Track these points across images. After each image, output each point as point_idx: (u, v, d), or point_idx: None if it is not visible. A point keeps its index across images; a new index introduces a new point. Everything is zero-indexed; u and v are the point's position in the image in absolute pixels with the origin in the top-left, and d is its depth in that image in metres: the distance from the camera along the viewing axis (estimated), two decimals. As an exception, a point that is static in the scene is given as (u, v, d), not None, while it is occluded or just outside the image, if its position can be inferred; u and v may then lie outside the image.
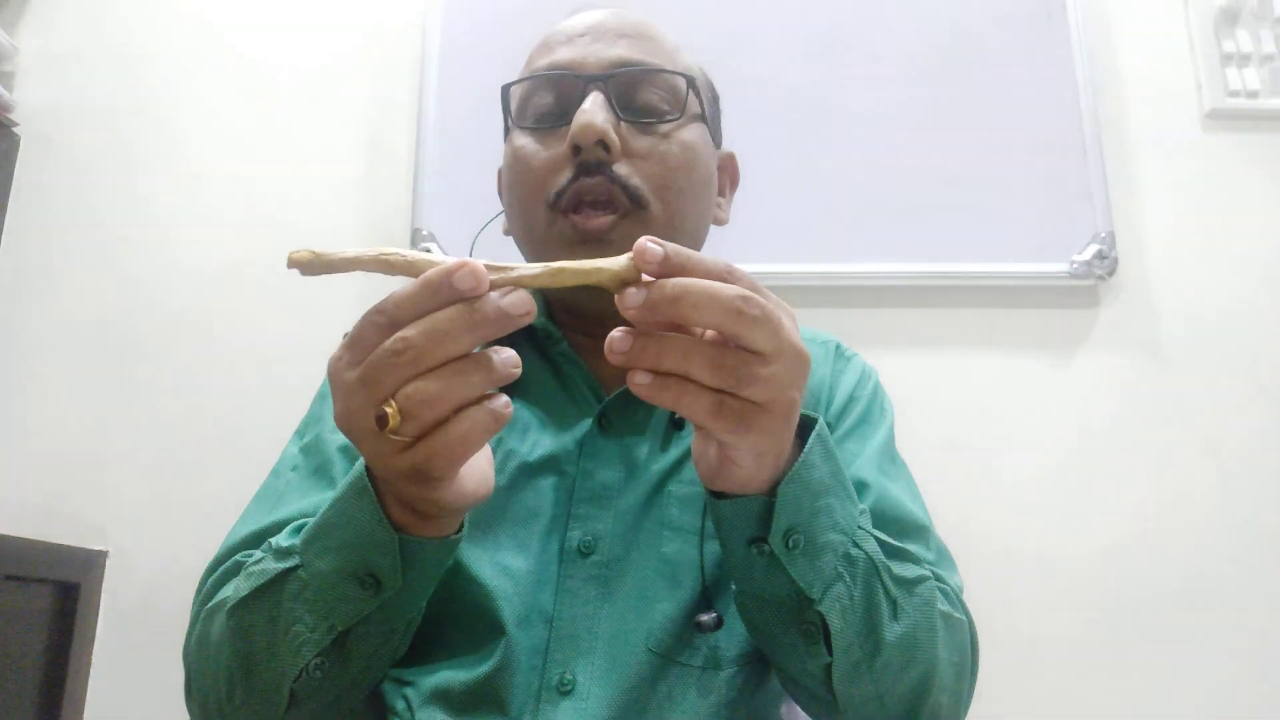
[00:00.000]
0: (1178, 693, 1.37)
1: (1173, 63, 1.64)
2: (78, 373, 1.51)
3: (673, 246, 0.47)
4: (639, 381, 0.47)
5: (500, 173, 0.84)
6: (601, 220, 0.72)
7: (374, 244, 1.70)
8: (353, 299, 1.43)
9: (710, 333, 0.48)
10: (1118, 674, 1.37)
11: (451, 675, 0.66)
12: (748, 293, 0.47)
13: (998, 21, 1.61)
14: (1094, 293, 1.54)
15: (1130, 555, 1.42)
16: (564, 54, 0.76)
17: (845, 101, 1.58)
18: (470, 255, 0.91)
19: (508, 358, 0.47)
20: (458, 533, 0.58)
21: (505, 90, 0.80)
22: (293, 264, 0.47)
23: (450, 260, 0.46)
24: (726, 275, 0.48)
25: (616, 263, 0.47)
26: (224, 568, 0.67)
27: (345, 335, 0.49)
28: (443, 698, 0.66)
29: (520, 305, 0.46)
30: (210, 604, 0.64)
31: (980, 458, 1.47)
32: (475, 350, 0.47)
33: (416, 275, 0.47)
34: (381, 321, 0.47)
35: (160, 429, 1.48)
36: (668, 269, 0.47)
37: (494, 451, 0.72)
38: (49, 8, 1.68)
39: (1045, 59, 1.59)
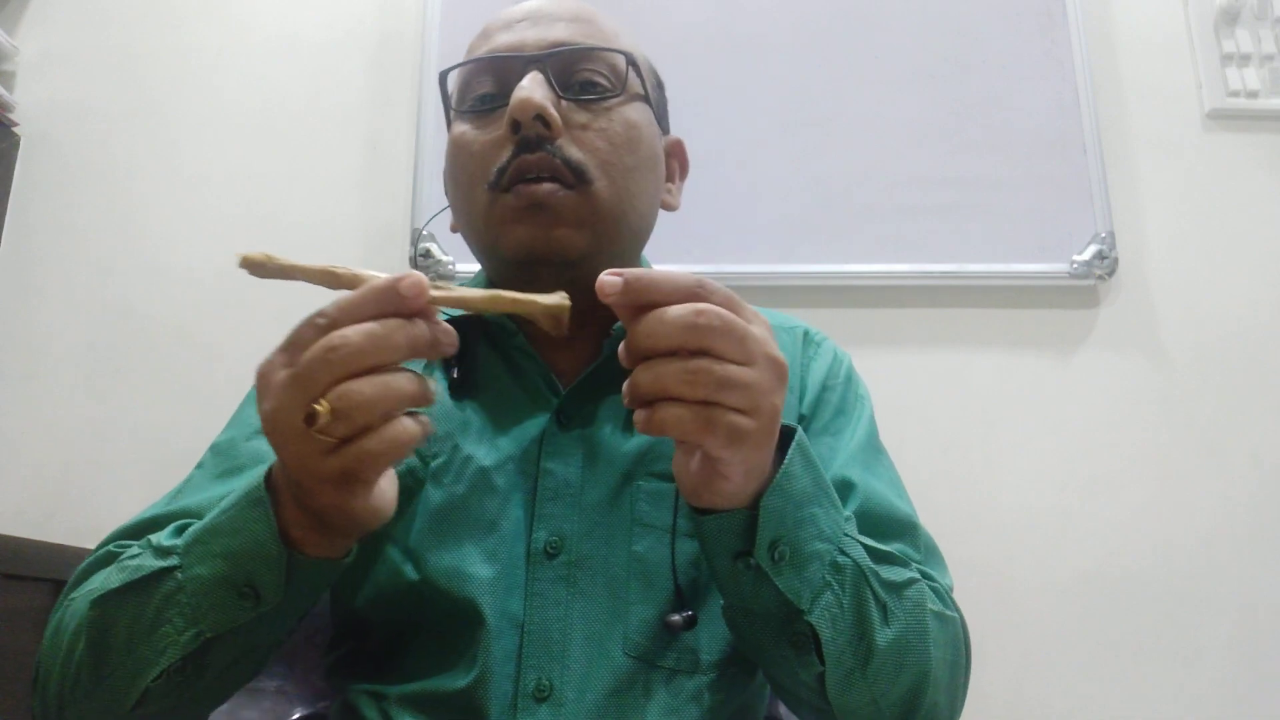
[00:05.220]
0: (1177, 692, 1.36)
1: (1173, 63, 1.63)
2: (78, 372, 1.51)
3: (631, 272, 0.49)
4: (636, 421, 0.50)
5: (445, 170, 0.81)
6: (544, 185, 0.70)
7: (374, 244, 1.69)
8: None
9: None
10: (1118, 673, 1.37)
11: (426, 686, 0.66)
12: (701, 305, 0.48)
13: (998, 22, 1.60)
14: (1094, 293, 1.54)
15: (1130, 555, 1.42)
16: (503, 39, 0.75)
17: (845, 101, 1.57)
18: (414, 246, 0.90)
19: (431, 388, 0.49)
20: (346, 557, 0.57)
21: (443, 77, 0.78)
22: (245, 264, 0.48)
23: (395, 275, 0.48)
24: (697, 289, 0.49)
25: (549, 299, 0.51)
26: (96, 556, 0.66)
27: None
28: (418, 709, 0.65)
29: (450, 336, 0.49)
30: (75, 593, 0.63)
31: (980, 457, 1.47)
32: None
33: None
34: (322, 324, 0.47)
35: (160, 429, 1.48)
36: (630, 297, 0.48)
37: (452, 458, 0.71)
38: (49, 8, 1.68)
39: (1045, 59, 1.59)
